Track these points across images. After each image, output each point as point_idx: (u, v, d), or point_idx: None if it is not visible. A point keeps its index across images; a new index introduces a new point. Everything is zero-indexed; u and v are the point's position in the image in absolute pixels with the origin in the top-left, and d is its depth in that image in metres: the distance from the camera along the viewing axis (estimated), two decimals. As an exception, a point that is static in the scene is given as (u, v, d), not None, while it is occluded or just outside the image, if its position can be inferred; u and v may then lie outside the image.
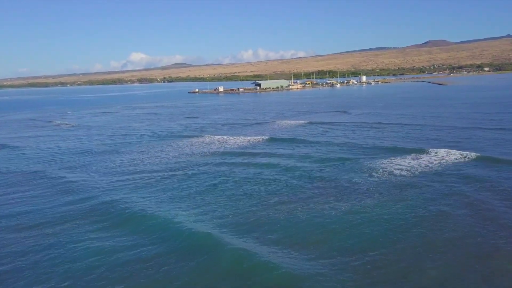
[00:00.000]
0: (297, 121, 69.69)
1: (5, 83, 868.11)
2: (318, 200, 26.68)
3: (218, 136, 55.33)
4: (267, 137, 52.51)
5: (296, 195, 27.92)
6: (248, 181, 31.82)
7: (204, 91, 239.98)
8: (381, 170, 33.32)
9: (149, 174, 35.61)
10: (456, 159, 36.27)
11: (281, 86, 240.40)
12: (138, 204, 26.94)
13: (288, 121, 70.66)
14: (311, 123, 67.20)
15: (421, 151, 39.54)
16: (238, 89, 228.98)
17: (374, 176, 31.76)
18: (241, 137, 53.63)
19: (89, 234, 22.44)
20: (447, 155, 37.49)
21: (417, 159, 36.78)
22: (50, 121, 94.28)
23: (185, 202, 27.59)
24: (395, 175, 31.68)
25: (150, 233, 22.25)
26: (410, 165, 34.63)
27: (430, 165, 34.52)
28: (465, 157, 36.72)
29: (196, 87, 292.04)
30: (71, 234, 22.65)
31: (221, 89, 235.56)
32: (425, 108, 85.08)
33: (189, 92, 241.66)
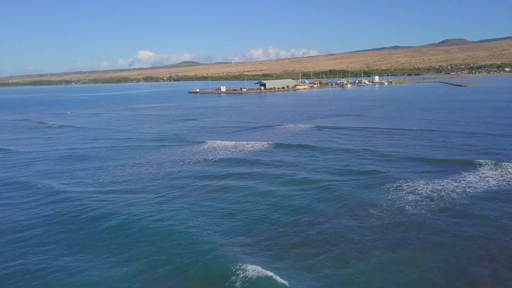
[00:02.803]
0: (304, 126, 65.61)
1: (9, 81, 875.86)
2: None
3: (219, 141, 51.80)
4: (274, 142, 49.09)
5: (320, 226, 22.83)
6: (263, 202, 27.26)
7: (206, 91, 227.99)
8: (425, 188, 28.61)
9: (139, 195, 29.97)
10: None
11: (287, 86, 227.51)
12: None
13: (295, 125, 66.58)
14: (319, 127, 62.99)
15: (461, 162, 35.62)
16: (241, 89, 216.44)
17: (422, 196, 26.99)
18: (244, 142, 50.03)
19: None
20: (497, 168, 32.86)
21: (461, 172, 32.43)
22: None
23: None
24: (448, 198, 26.59)
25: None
26: (458, 182, 29.99)
27: (482, 182, 29.51)
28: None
29: (201, 86, 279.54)
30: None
31: (223, 89, 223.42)
32: (446, 113, 79.13)
33: (189, 92, 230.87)
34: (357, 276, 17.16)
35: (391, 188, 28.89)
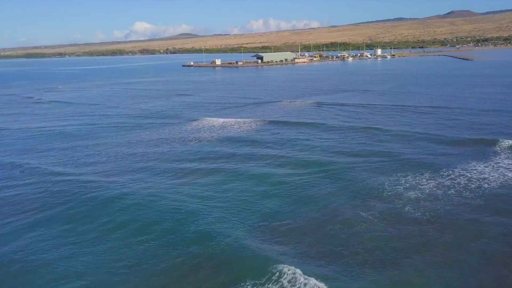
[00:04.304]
0: (304, 102, 62.11)
1: (2, 54, 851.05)
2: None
3: (213, 119, 48.75)
4: (272, 120, 46.59)
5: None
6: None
7: (200, 64, 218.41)
8: (453, 175, 25.45)
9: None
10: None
11: (286, 60, 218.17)
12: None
13: (294, 102, 63.08)
14: (319, 104, 59.56)
15: (480, 141, 32.81)
16: (237, 62, 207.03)
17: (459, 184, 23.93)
18: (241, 120, 47.26)
19: None
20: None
21: (487, 154, 29.71)
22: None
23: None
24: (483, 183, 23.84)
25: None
26: (490, 165, 27.09)
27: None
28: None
29: (196, 59, 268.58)
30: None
31: (218, 62, 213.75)
32: (454, 89, 74.71)
33: (183, 66, 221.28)
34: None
35: (410, 174, 25.67)
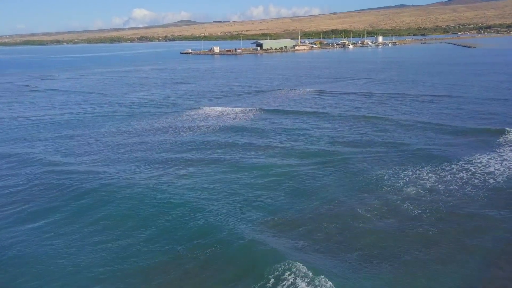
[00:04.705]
0: (305, 90, 60.94)
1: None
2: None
3: (213, 108, 47.80)
4: (273, 109, 45.47)
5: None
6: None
7: (198, 52, 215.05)
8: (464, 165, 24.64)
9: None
10: None
11: (285, 47, 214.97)
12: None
13: (295, 90, 61.84)
14: (320, 92, 58.56)
15: (488, 132, 31.68)
16: (236, 49, 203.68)
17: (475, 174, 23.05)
18: (240, 109, 46.02)
19: None
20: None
21: (494, 145, 28.53)
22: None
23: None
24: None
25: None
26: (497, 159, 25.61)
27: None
28: None
29: (195, 47, 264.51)
30: None
31: (216, 49, 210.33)
32: (458, 77, 72.83)
33: (181, 53, 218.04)
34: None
35: (419, 166, 24.72)
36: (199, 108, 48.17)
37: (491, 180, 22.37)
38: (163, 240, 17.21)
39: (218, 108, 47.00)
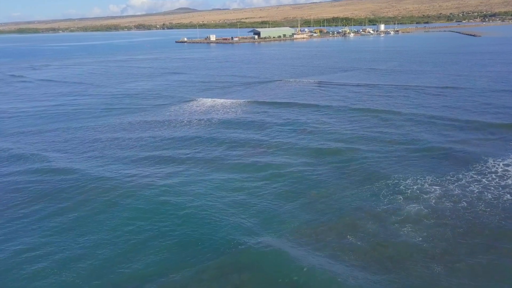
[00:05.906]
0: (305, 81, 58.45)
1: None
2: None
3: (209, 99, 45.62)
4: (271, 101, 43.69)
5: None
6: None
7: (194, 40, 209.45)
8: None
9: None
10: None
11: (284, 36, 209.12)
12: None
13: (294, 81, 59.19)
14: (320, 83, 56.16)
15: (503, 127, 29.08)
16: (232, 38, 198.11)
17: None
18: (238, 101, 43.99)
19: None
20: None
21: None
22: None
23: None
24: None
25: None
26: None
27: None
28: None
29: (190, 35, 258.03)
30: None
31: (212, 38, 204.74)
32: (464, 67, 69.03)
33: (176, 42, 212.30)
34: None
35: (444, 165, 22.58)
36: (195, 99, 45.76)
37: (507, 196, 18.73)
38: (161, 244, 16.26)
39: (210, 100, 44.81)
